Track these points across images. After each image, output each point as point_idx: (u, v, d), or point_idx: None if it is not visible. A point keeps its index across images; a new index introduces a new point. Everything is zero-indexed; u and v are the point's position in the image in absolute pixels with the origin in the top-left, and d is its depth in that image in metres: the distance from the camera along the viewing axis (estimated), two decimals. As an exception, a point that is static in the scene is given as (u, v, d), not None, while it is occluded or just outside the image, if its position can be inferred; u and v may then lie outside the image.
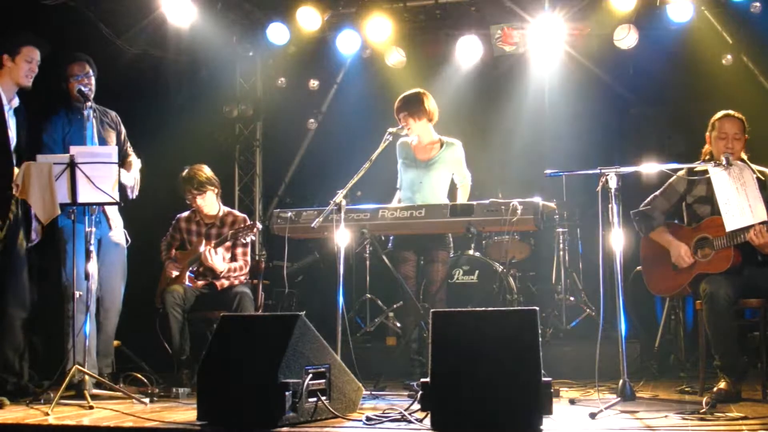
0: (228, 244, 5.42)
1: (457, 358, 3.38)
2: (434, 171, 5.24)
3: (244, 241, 5.42)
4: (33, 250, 4.91)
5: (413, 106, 5.17)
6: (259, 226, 5.45)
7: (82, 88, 4.80)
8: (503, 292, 6.36)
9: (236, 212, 5.67)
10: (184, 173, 5.49)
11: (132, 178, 5.04)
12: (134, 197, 5.05)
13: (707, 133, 4.67)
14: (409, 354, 5.18)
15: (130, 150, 5.19)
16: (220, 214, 5.57)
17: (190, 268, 5.43)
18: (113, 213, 5.07)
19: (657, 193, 4.78)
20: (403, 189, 5.32)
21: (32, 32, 4.91)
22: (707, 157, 4.64)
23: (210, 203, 5.52)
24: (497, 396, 3.26)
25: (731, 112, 4.62)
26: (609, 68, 7.59)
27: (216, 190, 5.54)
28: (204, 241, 5.41)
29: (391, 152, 5.30)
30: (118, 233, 5.10)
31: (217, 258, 5.35)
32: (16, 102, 4.82)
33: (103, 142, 4.97)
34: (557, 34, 7.03)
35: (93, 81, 4.97)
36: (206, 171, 5.51)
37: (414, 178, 5.26)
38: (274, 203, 8.33)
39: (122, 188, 4.82)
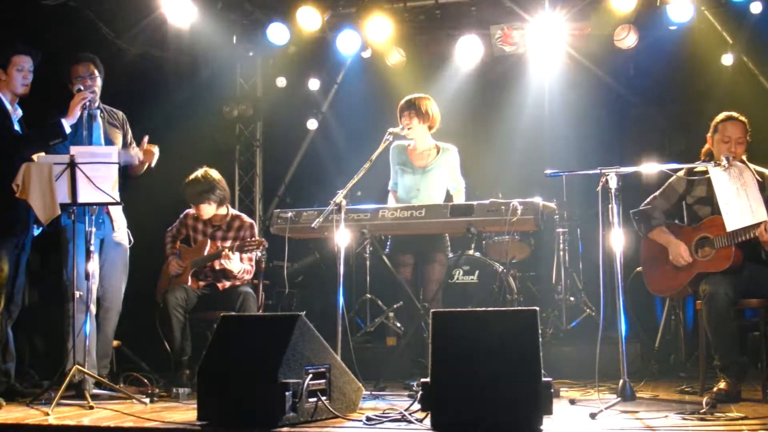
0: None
1: (457, 358, 3.38)
2: (431, 177, 5.23)
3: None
4: (33, 250, 4.91)
5: (420, 108, 5.17)
6: (266, 243, 5.39)
7: (87, 100, 4.75)
8: (503, 293, 6.35)
9: (244, 217, 5.61)
10: (191, 178, 5.43)
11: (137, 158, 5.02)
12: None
13: (708, 134, 4.64)
14: (410, 354, 5.18)
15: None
16: (228, 217, 5.55)
17: (192, 269, 5.42)
18: (117, 213, 5.04)
19: (656, 193, 4.77)
20: (400, 195, 5.32)
21: (22, 40, 4.90)
22: (707, 157, 4.63)
23: (208, 213, 5.45)
24: (497, 396, 3.26)
25: (734, 114, 4.57)
26: (609, 68, 7.60)
27: (217, 199, 5.43)
28: (209, 242, 5.40)
29: (387, 154, 5.29)
30: (122, 234, 5.08)
31: (236, 261, 5.32)
32: (19, 113, 4.83)
33: (109, 142, 4.97)
34: (557, 34, 7.03)
35: (98, 82, 4.93)
36: (212, 175, 5.44)
37: (411, 184, 5.25)
38: (274, 203, 8.33)
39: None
